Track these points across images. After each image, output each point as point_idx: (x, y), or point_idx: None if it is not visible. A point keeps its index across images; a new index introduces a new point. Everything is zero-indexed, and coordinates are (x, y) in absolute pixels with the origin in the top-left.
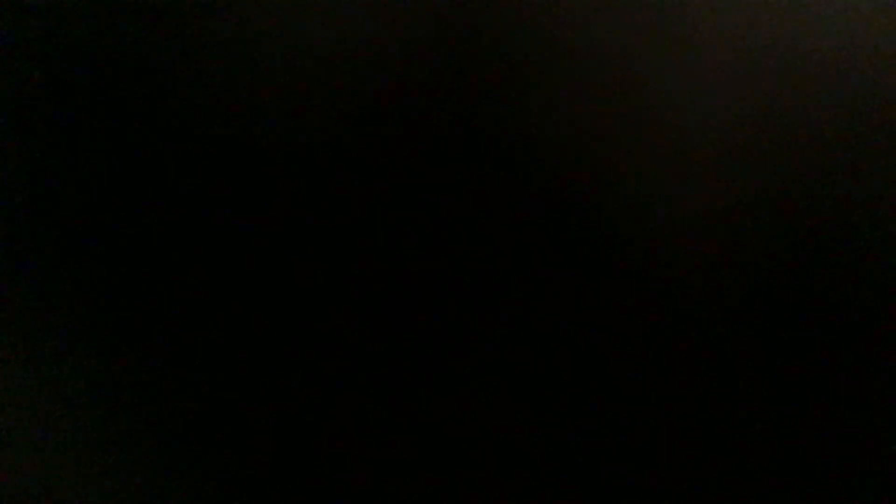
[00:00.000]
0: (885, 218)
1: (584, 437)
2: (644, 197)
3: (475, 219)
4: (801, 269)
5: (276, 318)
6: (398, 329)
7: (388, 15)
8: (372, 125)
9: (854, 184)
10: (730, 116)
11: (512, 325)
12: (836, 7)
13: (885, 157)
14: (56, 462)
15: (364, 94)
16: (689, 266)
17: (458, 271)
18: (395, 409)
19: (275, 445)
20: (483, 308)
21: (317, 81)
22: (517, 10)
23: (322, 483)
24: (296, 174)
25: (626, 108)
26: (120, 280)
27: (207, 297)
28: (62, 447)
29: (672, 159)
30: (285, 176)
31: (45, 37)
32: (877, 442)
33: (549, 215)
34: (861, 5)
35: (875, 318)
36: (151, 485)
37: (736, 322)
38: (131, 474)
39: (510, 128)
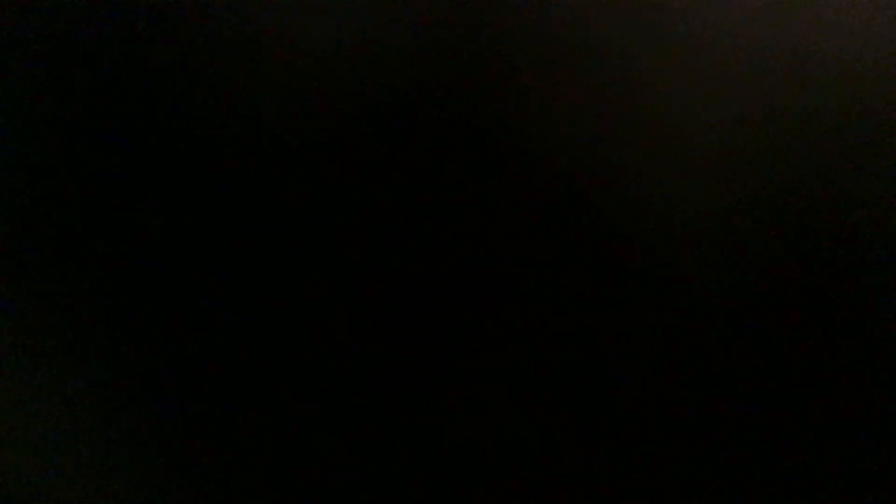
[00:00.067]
0: (885, 218)
1: (585, 438)
2: (644, 197)
3: (475, 219)
4: (802, 269)
5: (277, 318)
6: (398, 329)
7: (388, 14)
8: (372, 125)
9: (855, 184)
10: (730, 116)
11: (512, 325)
12: (836, 7)
13: (885, 158)
14: (56, 462)
15: (364, 94)
16: (690, 266)
17: (457, 271)
18: (395, 410)
19: (275, 445)
20: (483, 308)
21: (316, 81)
22: (517, 10)
23: (322, 483)
24: (295, 174)
25: (626, 107)
26: (121, 280)
27: (208, 296)
28: (62, 447)
29: (672, 159)
30: (285, 176)
31: (45, 37)
32: (877, 442)
33: (549, 215)
34: (862, 5)
35: (875, 318)
36: (151, 485)
37: (736, 322)
38: (131, 474)
39: (510, 128)
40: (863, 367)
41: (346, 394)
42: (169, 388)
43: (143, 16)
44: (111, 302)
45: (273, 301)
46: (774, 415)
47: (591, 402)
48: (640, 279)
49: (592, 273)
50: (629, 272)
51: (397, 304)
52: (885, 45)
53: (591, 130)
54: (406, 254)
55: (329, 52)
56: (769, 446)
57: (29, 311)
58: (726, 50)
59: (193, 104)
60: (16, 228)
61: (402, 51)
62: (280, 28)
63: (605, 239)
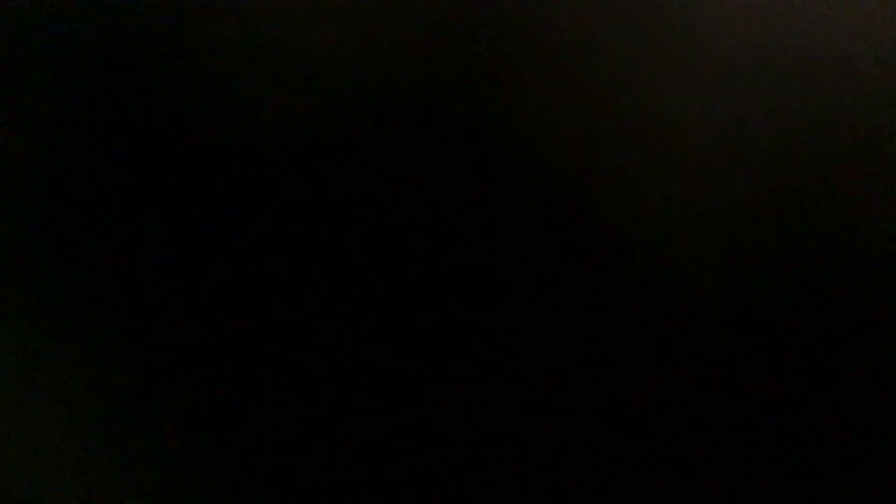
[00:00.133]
0: (885, 218)
1: (584, 438)
2: (645, 196)
3: (475, 218)
4: (802, 269)
5: (277, 317)
6: (399, 328)
7: (387, 14)
8: (372, 125)
9: (855, 184)
10: (730, 116)
11: (512, 325)
12: (836, 7)
13: (885, 158)
14: (56, 462)
15: (364, 93)
16: (690, 265)
17: (457, 270)
18: (395, 410)
19: (275, 445)
20: (483, 308)
21: (316, 81)
22: (517, 10)
23: (322, 483)
24: (295, 174)
25: (626, 107)
26: (121, 280)
27: (208, 296)
28: (62, 447)
29: (672, 159)
30: (285, 176)
31: (45, 37)
32: (877, 442)
33: (549, 215)
34: (862, 5)
35: (875, 318)
36: (152, 485)
37: (736, 322)
38: (131, 474)
39: (510, 127)
40: (863, 367)
41: (346, 394)
42: (169, 388)
43: (143, 15)
44: (111, 302)
45: (273, 301)
46: (774, 415)
47: (591, 402)
48: (641, 279)
49: (592, 273)
50: (629, 272)
51: (397, 304)
52: (885, 45)
53: (592, 130)
54: (406, 253)
55: (329, 52)
56: (769, 446)
57: (29, 311)
58: (726, 50)
59: (193, 104)
60: (16, 228)
61: (402, 50)
62: (280, 28)
63: (606, 238)
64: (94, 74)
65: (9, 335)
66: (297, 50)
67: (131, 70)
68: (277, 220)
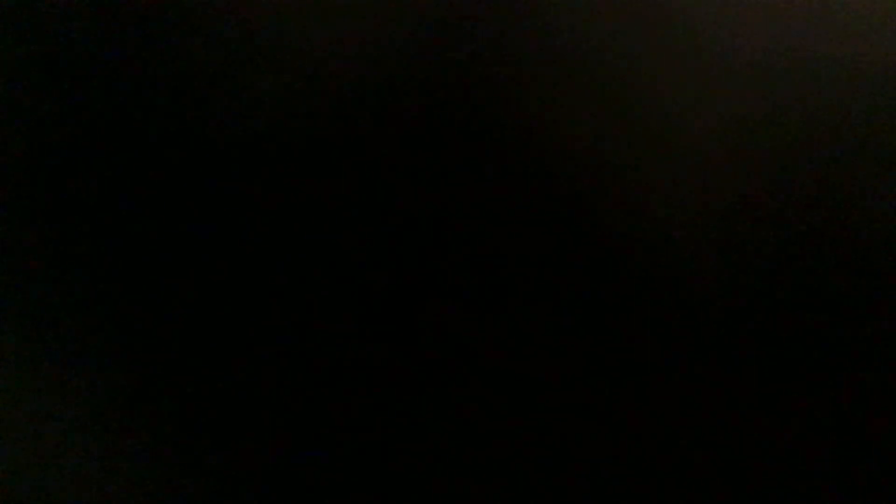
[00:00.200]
0: (885, 218)
1: (584, 437)
2: (645, 196)
3: (475, 218)
4: (802, 269)
5: (277, 317)
6: (399, 328)
7: (387, 14)
8: (372, 125)
9: (855, 184)
10: (731, 116)
11: (511, 325)
12: (837, 7)
13: (885, 158)
14: (56, 462)
15: (364, 94)
16: (690, 265)
17: (457, 270)
18: (395, 410)
19: (275, 445)
20: (483, 307)
21: (316, 80)
22: (517, 10)
23: (322, 483)
24: (295, 174)
25: (626, 107)
26: (121, 280)
27: (208, 296)
28: (62, 447)
29: (672, 159)
30: (285, 175)
31: (45, 37)
32: (877, 442)
33: (549, 215)
34: (862, 5)
35: (875, 318)
36: (152, 485)
37: (736, 321)
38: (132, 474)
39: (510, 127)
40: (863, 367)
41: (346, 394)
42: (169, 388)
43: (143, 15)
44: (111, 302)
45: (274, 301)
46: (774, 415)
47: (590, 402)
48: (640, 279)
49: (592, 272)
50: (629, 272)
51: (398, 304)
52: (885, 45)
53: (592, 130)
54: (406, 253)
55: (329, 52)
56: (769, 446)
57: (29, 311)
58: (727, 50)
59: (193, 104)
60: (16, 228)
61: (402, 50)
62: (280, 27)
63: (605, 238)
64: (94, 74)
65: (9, 335)
66: (297, 50)
67: (131, 70)
68: (277, 220)
